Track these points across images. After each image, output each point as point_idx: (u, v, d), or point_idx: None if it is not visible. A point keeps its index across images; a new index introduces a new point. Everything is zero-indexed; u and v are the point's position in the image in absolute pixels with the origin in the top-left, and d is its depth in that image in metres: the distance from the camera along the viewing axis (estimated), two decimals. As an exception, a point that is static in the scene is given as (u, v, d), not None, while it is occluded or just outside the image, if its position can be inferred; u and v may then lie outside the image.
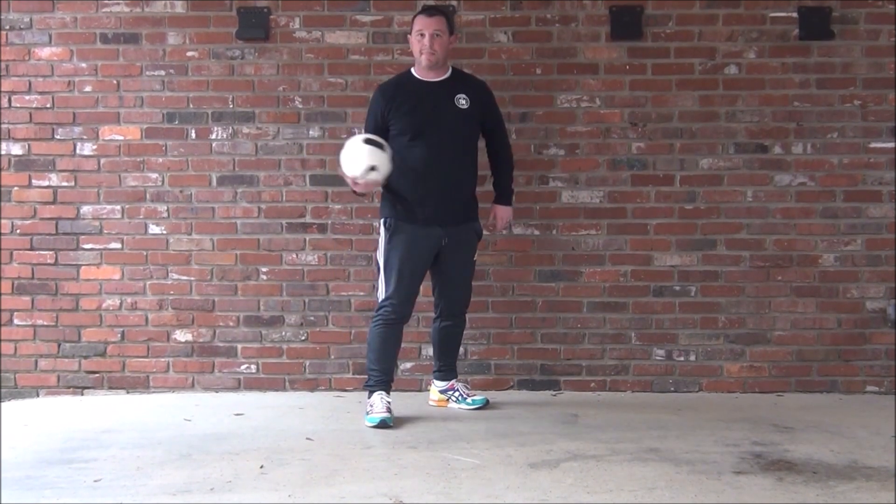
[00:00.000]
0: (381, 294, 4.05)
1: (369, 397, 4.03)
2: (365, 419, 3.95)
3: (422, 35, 3.99)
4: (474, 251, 4.21)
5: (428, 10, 4.10)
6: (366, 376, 4.14)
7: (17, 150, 4.67)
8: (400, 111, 4.00)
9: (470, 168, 4.12)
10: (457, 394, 4.26)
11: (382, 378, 4.05)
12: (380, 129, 4.02)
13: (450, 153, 4.01)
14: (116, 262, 4.67)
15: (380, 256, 4.07)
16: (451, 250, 4.07)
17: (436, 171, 3.97)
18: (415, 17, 4.10)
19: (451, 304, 4.18)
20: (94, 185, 4.68)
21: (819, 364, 4.62)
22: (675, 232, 4.63)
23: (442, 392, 4.29)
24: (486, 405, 4.23)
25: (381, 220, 4.08)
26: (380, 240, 4.09)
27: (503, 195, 4.28)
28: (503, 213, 4.29)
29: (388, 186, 4.02)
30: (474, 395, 4.28)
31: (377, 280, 4.10)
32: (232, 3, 4.65)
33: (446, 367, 4.29)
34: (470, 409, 4.20)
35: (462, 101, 4.06)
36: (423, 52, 4.00)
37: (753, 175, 4.62)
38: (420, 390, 4.59)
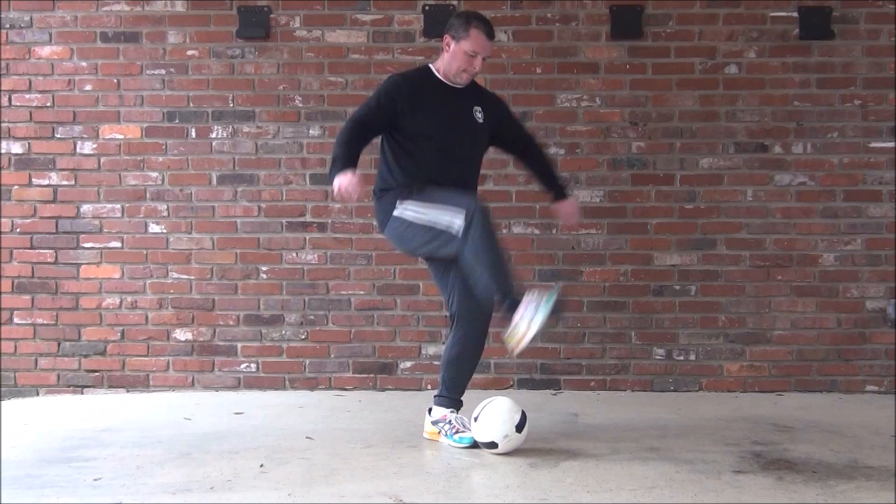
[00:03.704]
0: (454, 220, 3.33)
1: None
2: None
3: (473, 56, 3.53)
4: None
5: (489, 31, 3.56)
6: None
7: (17, 148, 4.68)
8: (420, 110, 3.53)
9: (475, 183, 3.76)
10: (447, 426, 3.58)
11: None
12: (382, 121, 3.51)
13: (463, 164, 3.63)
14: (116, 261, 4.67)
15: (417, 212, 3.44)
16: None
17: (447, 180, 3.52)
18: (471, 27, 3.51)
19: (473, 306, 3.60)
20: (94, 183, 4.68)
21: (819, 364, 4.62)
22: (676, 231, 4.63)
23: (434, 424, 3.64)
24: (472, 446, 3.48)
25: (396, 197, 3.50)
26: (402, 210, 3.47)
27: (564, 188, 3.87)
28: (572, 206, 3.91)
29: (392, 189, 3.57)
30: (464, 432, 3.52)
31: (433, 223, 3.39)
32: (232, 2, 4.65)
33: (447, 392, 3.65)
34: (455, 447, 3.52)
35: (478, 115, 3.65)
36: (465, 70, 3.56)
37: (753, 174, 4.62)
38: (420, 389, 4.59)
